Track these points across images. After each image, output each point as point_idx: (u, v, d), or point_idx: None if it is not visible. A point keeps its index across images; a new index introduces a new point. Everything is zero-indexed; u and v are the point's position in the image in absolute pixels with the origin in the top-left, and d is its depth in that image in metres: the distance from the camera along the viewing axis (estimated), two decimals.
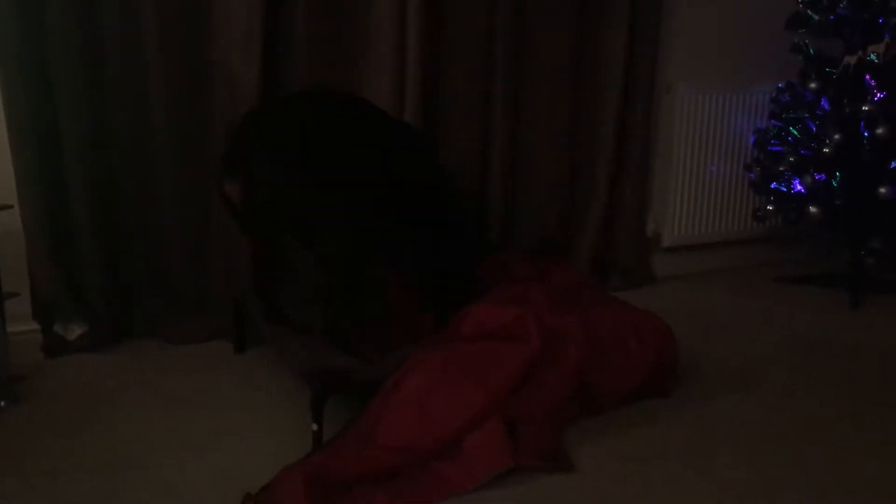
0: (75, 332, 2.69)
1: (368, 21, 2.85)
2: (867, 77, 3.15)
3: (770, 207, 3.46)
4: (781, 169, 3.37)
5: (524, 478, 1.99)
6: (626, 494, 1.97)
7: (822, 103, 3.27)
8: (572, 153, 3.35)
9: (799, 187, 3.30)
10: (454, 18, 3.00)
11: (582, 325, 2.34)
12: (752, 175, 3.58)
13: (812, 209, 3.25)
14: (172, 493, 1.91)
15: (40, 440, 2.14)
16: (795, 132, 3.35)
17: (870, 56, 3.15)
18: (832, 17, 3.27)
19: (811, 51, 3.35)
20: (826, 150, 3.17)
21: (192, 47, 2.70)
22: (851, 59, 3.21)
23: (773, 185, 3.43)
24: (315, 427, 2.05)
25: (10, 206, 2.45)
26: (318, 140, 2.37)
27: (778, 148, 3.43)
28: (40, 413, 2.30)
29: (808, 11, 3.34)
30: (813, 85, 3.28)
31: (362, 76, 2.89)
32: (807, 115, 3.33)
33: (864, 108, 3.11)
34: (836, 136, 3.15)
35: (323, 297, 2.35)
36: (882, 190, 3.12)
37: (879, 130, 3.09)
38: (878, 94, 3.12)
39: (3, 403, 2.31)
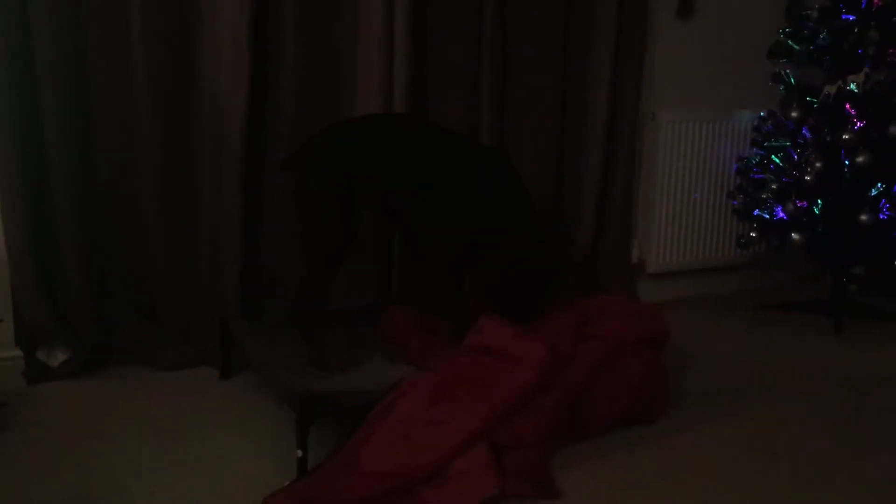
0: (59, 358, 2.66)
1: (356, 47, 2.88)
2: (847, 106, 3.20)
3: (753, 234, 3.48)
4: (764, 196, 3.40)
5: None
6: None
7: (804, 132, 3.31)
8: (558, 181, 3.38)
9: (781, 214, 3.33)
10: (440, 56, 3.04)
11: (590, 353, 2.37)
12: (735, 202, 3.61)
13: (795, 236, 3.28)
14: None
15: (21, 467, 2.12)
16: (777, 160, 3.39)
17: (849, 86, 3.20)
18: (812, 48, 3.32)
19: (792, 80, 3.40)
20: (808, 177, 3.21)
21: (180, 73, 2.72)
22: (831, 89, 3.25)
23: (755, 213, 3.45)
24: (300, 453, 2.04)
25: None
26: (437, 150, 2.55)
27: (760, 176, 3.46)
28: (21, 440, 2.27)
29: (789, 41, 3.39)
30: (794, 114, 3.31)
31: (351, 102, 2.91)
32: (788, 144, 3.37)
33: (845, 136, 3.15)
34: (818, 164, 3.19)
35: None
36: (863, 217, 3.15)
37: (860, 159, 3.12)
38: (858, 123, 3.16)
39: None
